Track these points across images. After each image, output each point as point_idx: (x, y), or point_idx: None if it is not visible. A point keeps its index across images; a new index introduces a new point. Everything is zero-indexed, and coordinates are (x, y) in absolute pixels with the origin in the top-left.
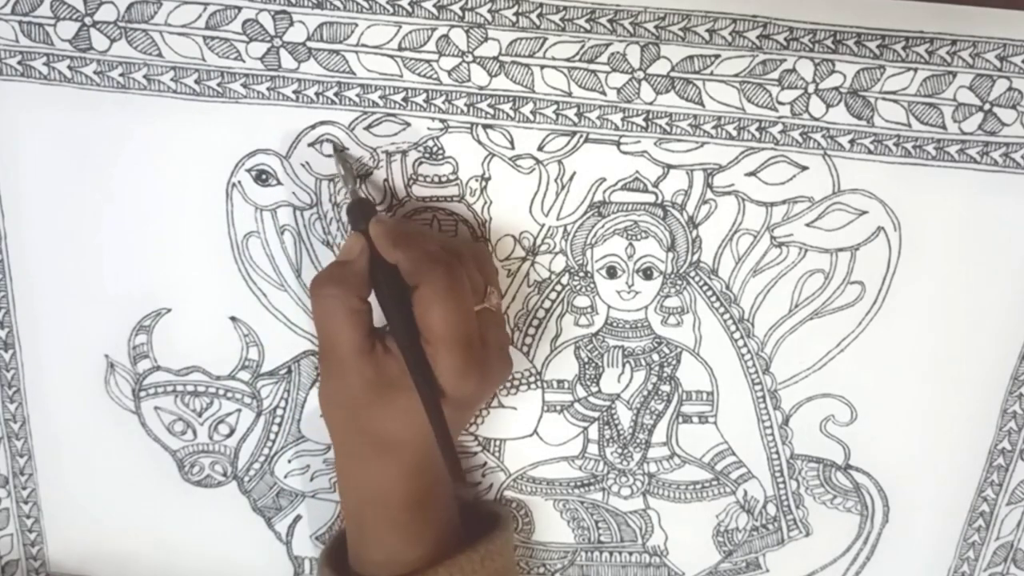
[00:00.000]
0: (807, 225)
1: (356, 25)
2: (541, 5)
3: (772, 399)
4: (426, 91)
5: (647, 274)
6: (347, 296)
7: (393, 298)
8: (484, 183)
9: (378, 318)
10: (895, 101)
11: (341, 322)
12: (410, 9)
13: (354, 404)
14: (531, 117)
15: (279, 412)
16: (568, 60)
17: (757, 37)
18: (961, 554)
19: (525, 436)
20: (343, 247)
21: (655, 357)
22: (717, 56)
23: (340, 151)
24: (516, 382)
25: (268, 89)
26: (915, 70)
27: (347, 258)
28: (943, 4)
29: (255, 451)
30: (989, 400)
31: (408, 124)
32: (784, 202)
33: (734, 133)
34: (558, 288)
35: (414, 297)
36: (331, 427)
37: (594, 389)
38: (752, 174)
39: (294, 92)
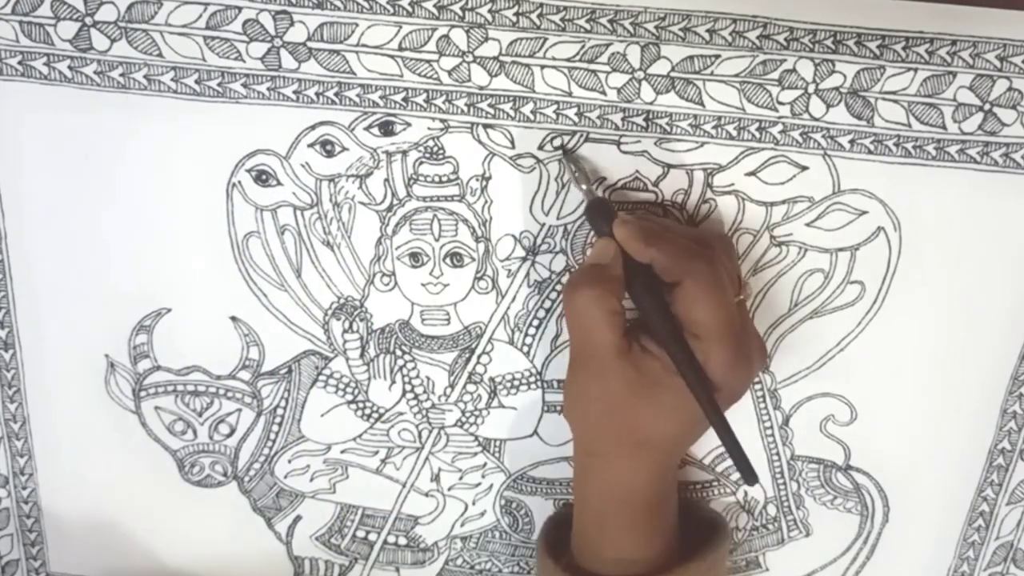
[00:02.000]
0: (807, 225)
1: (356, 25)
2: (541, 5)
3: (772, 399)
4: (426, 91)
5: None
6: (605, 298)
7: (651, 297)
8: (485, 183)
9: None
10: (895, 101)
11: (600, 324)
12: (410, 9)
13: (614, 404)
14: (531, 117)
15: (279, 412)
16: (568, 60)
17: (757, 37)
18: (961, 554)
19: (525, 436)
20: (594, 251)
21: None
22: (717, 56)
23: (569, 152)
24: (516, 382)
25: (268, 89)
26: (915, 70)
27: (600, 261)
28: (943, 4)
29: (255, 451)
30: (989, 400)
31: (409, 124)
32: (784, 202)
33: (734, 133)
34: (559, 288)
35: (676, 293)
36: (579, 425)
37: None
38: (752, 174)
39: (294, 92)
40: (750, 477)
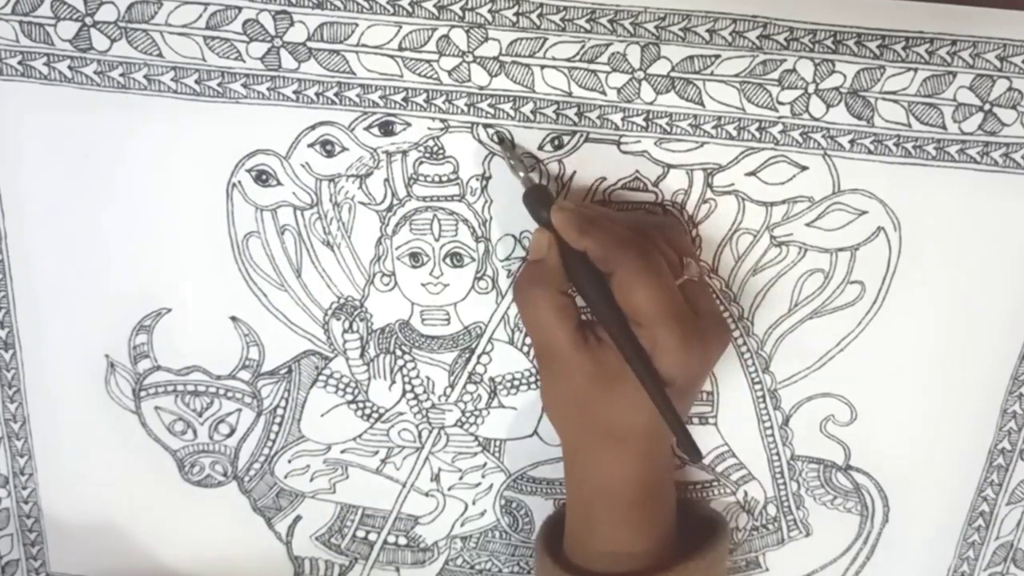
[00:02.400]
0: (807, 225)
1: (356, 25)
2: (541, 5)
3: (772, 399)
4: (426, 91)
5: None
6: (549, 293)
7: (592, 286)
8: (485, 182)
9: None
10: (895, 101)
11: (551, 321)
12: (410, 9)
13: (581, 399)
14: (531, 117)
15: (279, 412)
16: (568, 60)
17: (757, 37)
18: (961, 554)
19: (525, 436)
20: (531, 245)
21: None
22: (717, 56)
23: (505, 141)
24: (516, 382)
25: (268, 89)
26: (915, 70)
27: (538, 256)
28: (943, 4)
29: (255, 451)
30: (989, 400)
31: (409, 124)
32: (784, 202)
33: (734, 133)
34: None
35: (612, 284)
36: (559, 425)
37: None
38: (752, 174)
39: (294, 92)
40: (695, 455)
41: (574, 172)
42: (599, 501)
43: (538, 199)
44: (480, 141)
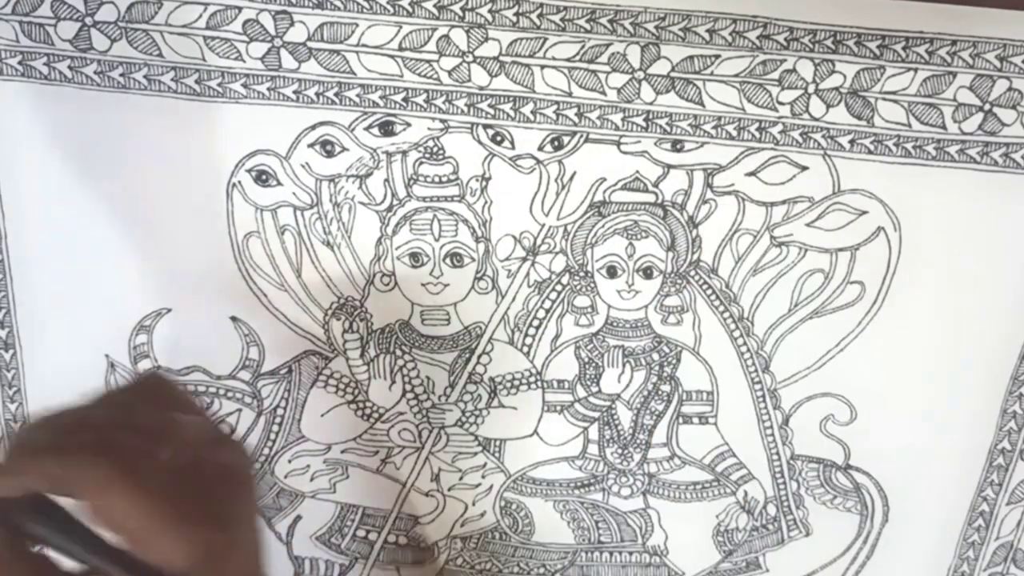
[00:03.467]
0: (807, 225)
1: (357, 25)
2: (541, 5)
3: (772, 398)
4: (426, 91)
5: (647, 273)
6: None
7: (69, 536)
8: (484, 183)
9: None
10: (895, 101)
11: None
12: (411, 9)
13: None
14: (531, 117)
15: (279, 412)
16: (568, 60)
17: (757, 37)
18: (961, 554)
19: (525, 436)
20: None
21: (655, 356)
22: (717, 56)
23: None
24: (516, 382)
25: (268, 89)
26: (915, 70)
27: None
28: (943, 4)
29: (255, 451)
30: (989, 400)
31: (409, 124)
32: (784, 202)
33: (734, 133)
34: (558, 288)
35: (91, 511)
36: None
37: (594, 389)
38: (752, 174)
39: (294, 92)
40: None
41: (574, 172)
42: None
43: None
44: (480, 142)
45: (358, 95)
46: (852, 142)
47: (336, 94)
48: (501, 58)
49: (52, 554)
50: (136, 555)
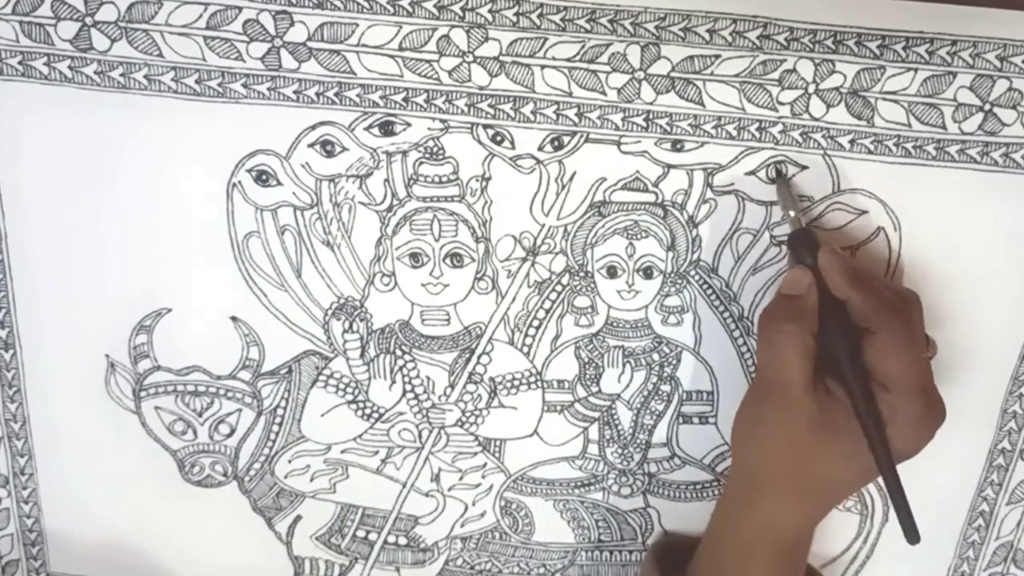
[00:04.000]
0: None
1: (357, 25)
2: (541, 5)
3: None
4: (426, 91)
5: (647, 273)
6: (801, 335)
7: (843, 339)
8: (484, 183)
9: None
10: (895, 101)
11: (794, 358)
12: (411, 9)
13: (792, 440)
14: (531, 117)
15: (279, 412)
16: (568, 60)
17: (757, 37)
18: (961, 554)
19: (525, 436)
20: (786, 280)
21: (655, 357)
22: (717, 56)
23: (783, 176)
24: (516, 382)
25: (269, 89)
26: (915, 70)
27: (793, 292)
28: (943, 4)
29: (255, 451)
30: (989, 400)
31: (409, 124)
32: None
33: (734, 133)
34: (558, 288)
35: (870, 341)
36: (750, 454)
37: (594, 389)
38: (752, 173)
39: (294, 92)
40: (913, 536)
41: (574, 172)
42: (761, 544)
43: (804, 242)
44: (480, 142)
45: (358, 95)
46: (852, 142)
47: (336, 94)
48: (501, 58)
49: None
50: (876, 393)
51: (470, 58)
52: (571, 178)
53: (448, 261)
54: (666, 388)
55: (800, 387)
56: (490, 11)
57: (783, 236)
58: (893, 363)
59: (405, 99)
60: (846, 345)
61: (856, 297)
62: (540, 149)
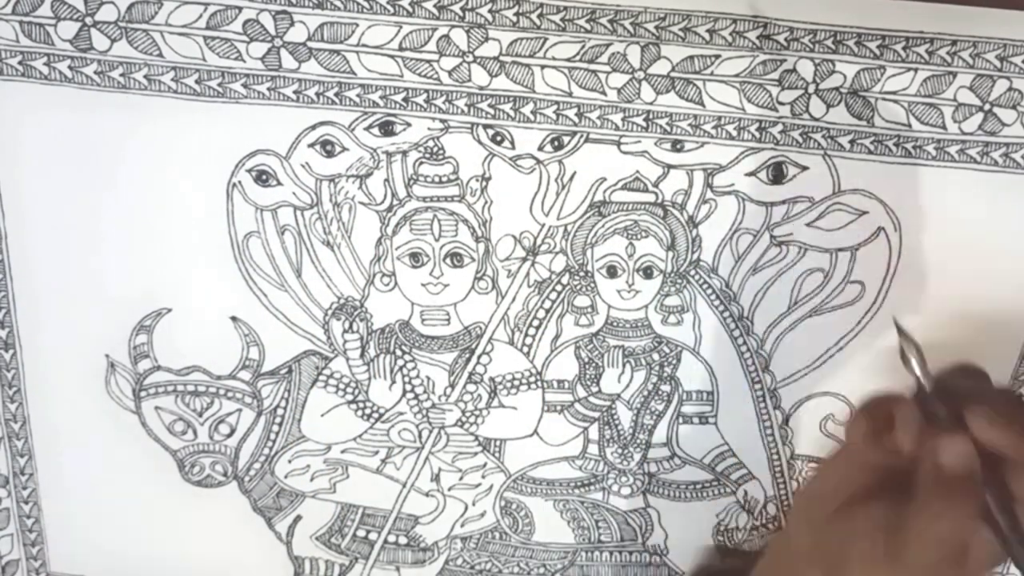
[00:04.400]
0: (807, 225)
1: (357, 25)
2: (542, 5)
3: (772, 398)
4: (427, 91)
5: (647, 273)
6: (976, 521)
7: (1003, 500)
8: (484, 183)
9: None
10: (895, 101)
11: (975, 549)
12: (411, 9)
13: None
14: (531, 117)
15: (279, 412)
16: (568, 60)
17: (757, 37)
18: None
19: (525, 436)
20: (947, 453)
21: (655, 357)
22: (717, 56)
23: (905, 333)
24: (516, 382)
25: (269, 89)
26: (915, 70)
27: (957, 470)
28: (943, 4)
29: (255, 451)
30: None
31: (409, 124)
32: (784, 202)
33: (734, 133)
34: (558, 288)
35: (1013, 474)
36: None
37: (594, 389)
38: (752, 174)
39: (295, 92)
40: None
41: (574, 172)
42: None
43: (943, 400)
44: (480, 142)
45: (358, 95)
46: (852, 142)
47: (336, 94)
48: (501, 58)
49: None
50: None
51: (470, 58)
52: (571, 178)
53: (448, 261)
54: (666, 388)
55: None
56: (490, 11)
57: (783, 236)
58: None
59: (405, 99)
60: (1005, 506)
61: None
62: (540, 149)
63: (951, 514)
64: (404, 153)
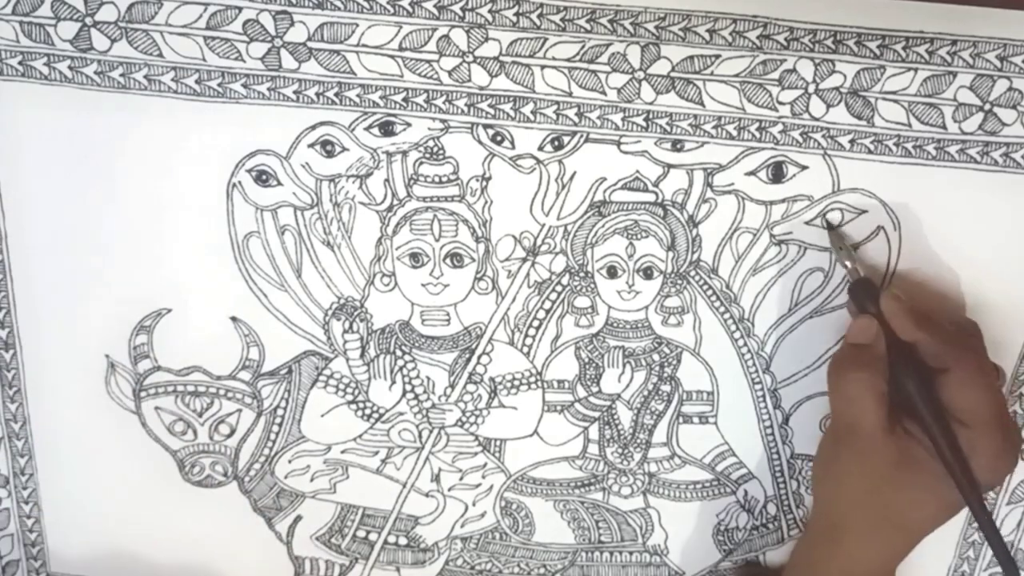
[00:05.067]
0: (807, 224)
1: (357, 25)
2: (541, 5)
3: (772, 398)
4: (426, 91)
5: (647, 274)
6: (873, 380)
7: (915, 380)
8: (485, 183)
9: None
10: (895, 101)
11: (867, 406)
12: (411, 9)
13: (874, 483)
14: (531, 117)
15: (279, 412)
16: (568, 60)
17: (757, 37)
18: (961, 554)
19: (525, 436)
20: (853, 329)
21: (655, 357)
22: (717, 56)
23: (835, 227)
24: (516, 382)
25: (268, 89)
26: (915, 70)
27: (860, 341)
28: (943, 4)
29: (255, 451)
30: None
31: (409, 124)
32: (784, 201)
33: (734, 133)
34: (559, 288)
35: (943, 379)
36: (831, 499)
37: (594, 389)
38: (752, 173)
39: (294, 92)
40: (1012, 572)
41: (574, 172)
42: None
43: (864, 290)
44: (480, 142)
45: (358, 95)
46: (852, 142)
47: (336, 94)
48: (501, 58)
49: None
50: (955, 429)
51: (470, 58)
52: (571, 178)
53: (448, 261)
54: (666, 388)
55: (878, 431)
56: (490, 11)
57: (783, 236)
58: (969, 398)
59: (405, 99)
60: (919, 386)
61: (924, 338)
62: (540, 149)
63: (850, 375)
64: (404, 153)
